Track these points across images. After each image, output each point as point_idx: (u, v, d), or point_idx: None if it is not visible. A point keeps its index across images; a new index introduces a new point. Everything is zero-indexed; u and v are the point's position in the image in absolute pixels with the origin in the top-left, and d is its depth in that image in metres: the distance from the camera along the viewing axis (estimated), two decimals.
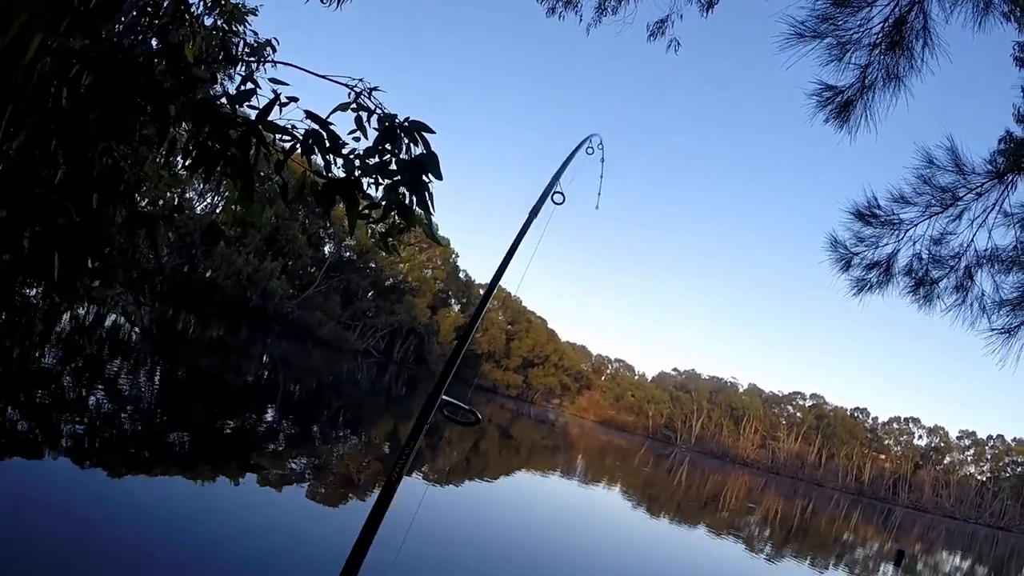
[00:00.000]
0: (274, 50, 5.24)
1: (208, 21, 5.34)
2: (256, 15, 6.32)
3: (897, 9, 6.06)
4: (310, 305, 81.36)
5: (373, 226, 4.44)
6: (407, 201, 4.03)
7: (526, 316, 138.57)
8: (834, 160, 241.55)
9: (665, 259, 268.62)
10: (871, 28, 6.18)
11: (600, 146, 5.47)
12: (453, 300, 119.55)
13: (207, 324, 51.87)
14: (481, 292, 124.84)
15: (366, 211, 4.15)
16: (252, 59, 4.60)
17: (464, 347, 4.44)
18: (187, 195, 53.71)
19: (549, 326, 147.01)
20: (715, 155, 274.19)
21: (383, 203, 4.07)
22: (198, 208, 62.53)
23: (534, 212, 4.78)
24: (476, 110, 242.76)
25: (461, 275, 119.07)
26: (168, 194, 5.49)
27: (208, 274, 63.77)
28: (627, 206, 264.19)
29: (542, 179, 4.96)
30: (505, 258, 4.82)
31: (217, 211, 64.55)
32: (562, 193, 4.94)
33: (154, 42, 4.39)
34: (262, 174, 4.15)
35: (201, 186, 58.64)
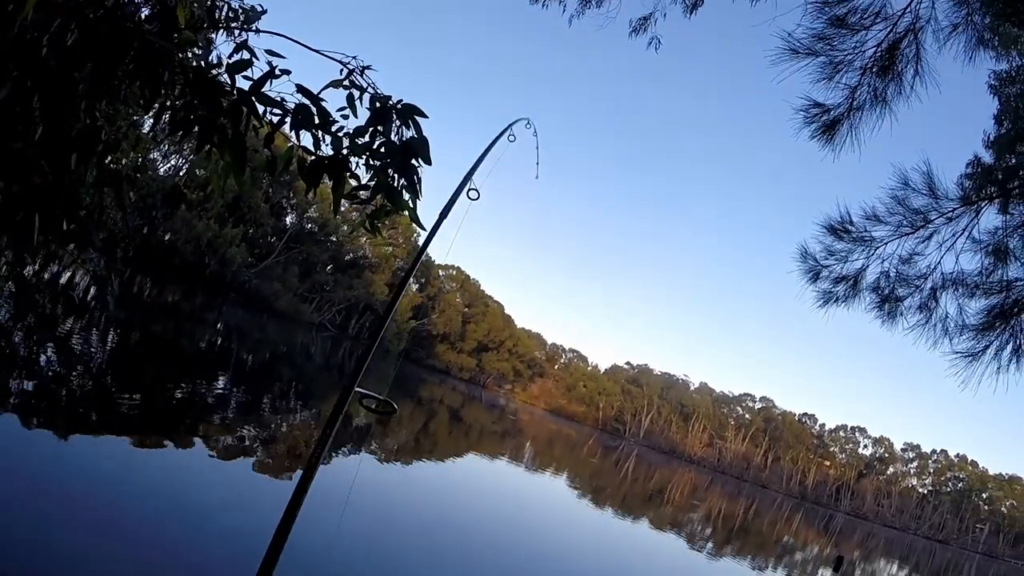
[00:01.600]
0: (258, 17, 5.16)
1: None
2: None
3: (892, 35, 6.11)
4: (268, 275, 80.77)
5: (355, 205, 4.38)
6: (395, 184, 3.99)
7: (483, 300, 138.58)
8: (803, 170, 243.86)
9: (625, 255, 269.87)
10: (864, 51, 6.23)
11: (529, 127, 5.53)
12: (412, 279, 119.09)
13: (163, 288, 51.35)
14: (440, 273, 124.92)
15: (354, 192, 4.10)
16: (244, 27, 4.50)
17: (377, 341, 4.47)
18: (150, 156, 52.94)
19: (506, 311, 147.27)
20: (677, 154, 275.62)
21: (371, 184, 4.02)
22: (161, 169, 61.78)
23: (445, 211, 4.77)
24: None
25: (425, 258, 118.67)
26: (132, 154, 5.38)
27: (167, 237, 63.08)
28: (589, 200, 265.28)
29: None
30: (415, 258, 5.10)
31: (180, 174, 63.85)
32: (477, 190, 4.88)
33: (141, 1, 4.32)
34: (248, 146, 4.07)
35: (166, 147, 58.02)
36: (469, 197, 4.77)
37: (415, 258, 5.00)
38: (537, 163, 5.67)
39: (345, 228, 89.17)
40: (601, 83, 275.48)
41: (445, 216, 4.72)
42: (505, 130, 5.36)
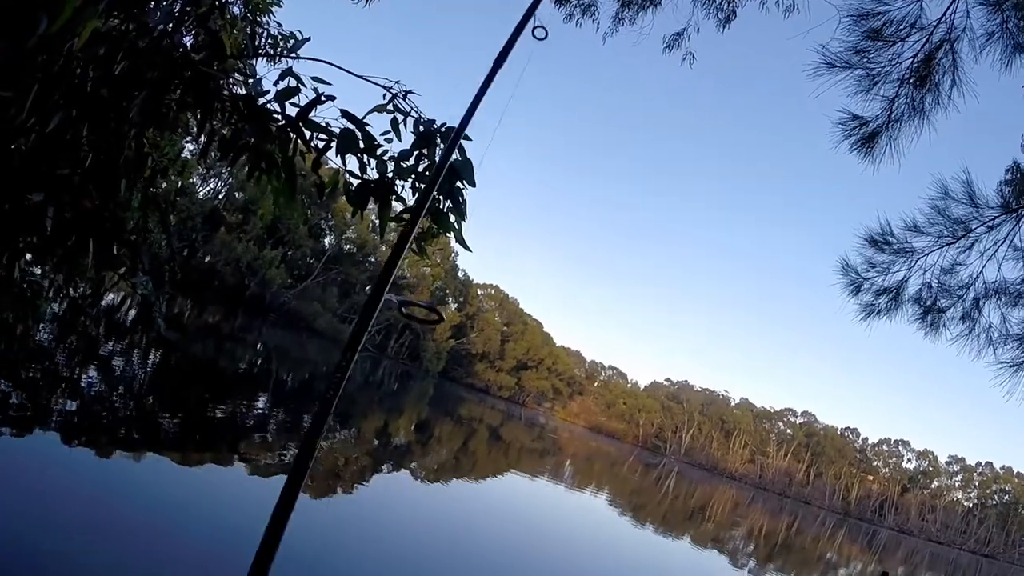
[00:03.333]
0: (296, 41, 5.24)
1: (235, 11, 5.34)
2: (280, 6, 6.32)
3: (928, 46, 6.09)
4: (307, 296, 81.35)
5: (400, 227, 4.38)
6: (442, 206, 4.01)
7: (522, 318, 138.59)
8: (844, 184, 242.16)
9: (665, 270, 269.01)
10: (901, 63, 6.22)
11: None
12: (450, 298, 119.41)
13: (203, 309, 51.82)
14: (479, 292, 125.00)
15: (401, 215, 4.12)
16: (285, 54, 4.59)
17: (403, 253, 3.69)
18: (190, 179, 53.68)
19: (545, 329, 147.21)
20: (721, 168, 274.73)
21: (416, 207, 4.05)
22: (200, 192, 62.50)
23: (505, 51, 3.97)
24: None
25: (460, 274, 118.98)
26: (173, 178, 5.48)
27: (207, 259, 63.71)
28: (629, 215, 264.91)
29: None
30: (472, 103, 3.90)
31: (219, 196, 64.58)
32: (544, 27, 4.06)
33: (187, 31, 4.40)
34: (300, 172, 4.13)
35: (205, 171, 58.70)
36: (535, 36, 4.01)
37: (469, 107, 3.73)
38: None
39: (383, 248, 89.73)
40: (643, 91, 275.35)
41: (504, 58, 3.95)
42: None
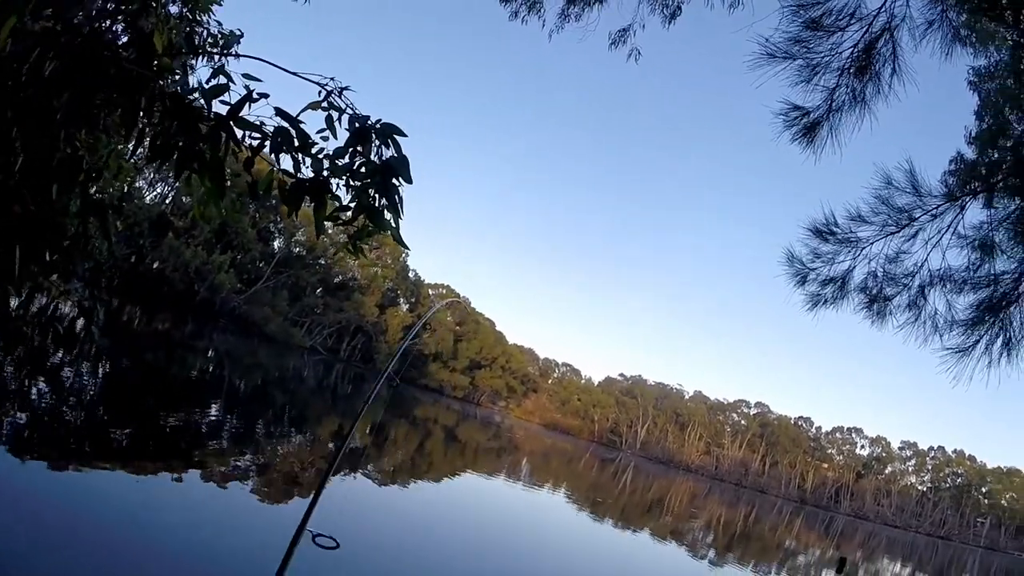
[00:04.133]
0: (238, 42, 5.16)
1: (173, 9, 5.24)
2: (220, 4, 6.21)
3: (867, 35, 6.13)
4: (258, 300, 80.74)
5: (339, 226, 4.33)
6: (377, 204, 3.95)
7: (474, 317, 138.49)
8: (790, 175, 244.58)
9: (613, 265, 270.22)
10: (841, 52, 6.24)
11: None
12: (402, 299, 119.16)
13: (153, 316, 51.23)
14: (430, 292, 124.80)
15: (336, 213, 4.06)
16: (220, 51, 4.49)
17: None
18: (136, 184, 52.95)
19: (497, 328, 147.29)
20: (669, 163, 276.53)
21: (352, 205, 3.99)
22: (147, 197, 61.76)
23: None
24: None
25: (411, 274, 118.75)
26: (116, 183, 5.36)
27: (155, 265, 63.01)
28: (574, 210, 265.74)
29: None
30: None
31: (167, 201, 63.84)
32: None
33: (119, 29, 4.30)
34: (228, 171, 4.03)
35: (152, 175, 58.01)
36: None
37: None
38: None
39: (331, 250, 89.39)
40: (586, 88, 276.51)
41: None
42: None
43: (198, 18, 5.60)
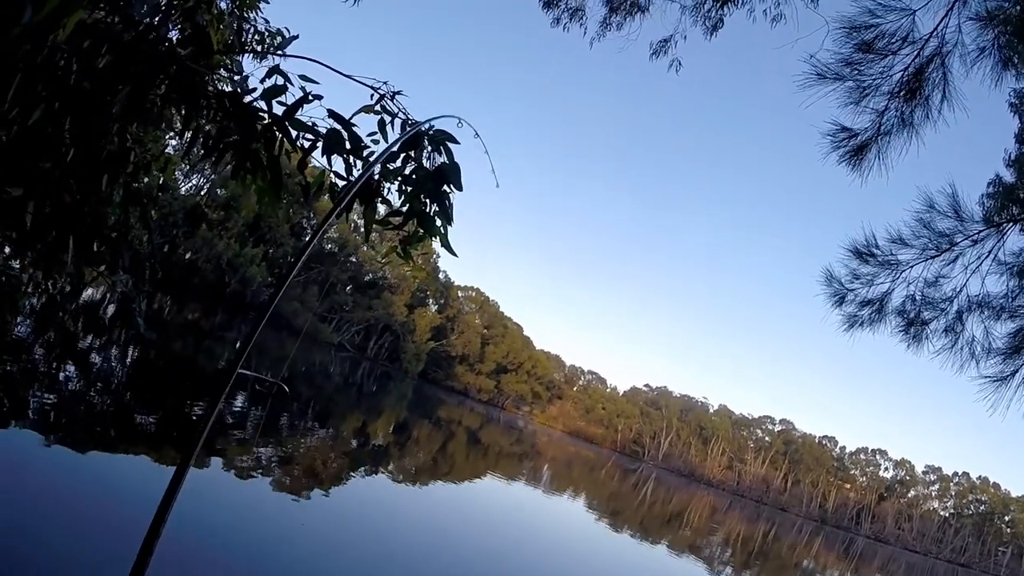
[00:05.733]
0: (284, 39, 5.18)
1: (222, 6, 5.26)
2: (268, 2, 6.25)
3: (919, 60, 6.08)
4: (288, 295, 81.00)
5: (389, 230, 4.31)
6: (428, 210, 3.96)
7: (502, 321, 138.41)
8: (829, 191, 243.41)
9: (646, 277, 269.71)
10: (892, 76, 6.20)
11: (462, 126, 4.42)
12: (431, 300, 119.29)
13: (183, 307, 51.58)
14: (460, 295, 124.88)
15: (387, 217, 4.07)
16: (274, 51, 4.52)
17: (270, 308, 3.99)
18: (173, 176, 53.33)
19: (525, 333, 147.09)
20: (708, 176, 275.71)
21: (404, 210, 4.00)
22: (182, 189, 62.18)
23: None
24: None
25: (440, 275, 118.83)
26: (160, 175, 5.40)
27: (188, 256, 63.41)
28: (611, 221, 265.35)
29: None
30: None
31: (202, 193, 64.28)
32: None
33: (171, 25, 4.34)
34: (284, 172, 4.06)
35: (187, 167, 58.44)
36: None
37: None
38: (492, 170, 4.59)
39: (367, 250, 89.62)
40: (627, 95, 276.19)
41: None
42: (421, 124, 4.33)
43: (245, 15, 5.65)
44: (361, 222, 4.20)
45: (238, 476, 14.03)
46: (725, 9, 8.44)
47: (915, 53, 6.09)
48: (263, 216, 62.37)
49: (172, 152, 5.61)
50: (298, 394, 33.32)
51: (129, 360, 22.44)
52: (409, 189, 3.99)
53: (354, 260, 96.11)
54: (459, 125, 4.25)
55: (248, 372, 4.08)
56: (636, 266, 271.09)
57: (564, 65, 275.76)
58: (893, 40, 6.06)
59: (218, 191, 65.61)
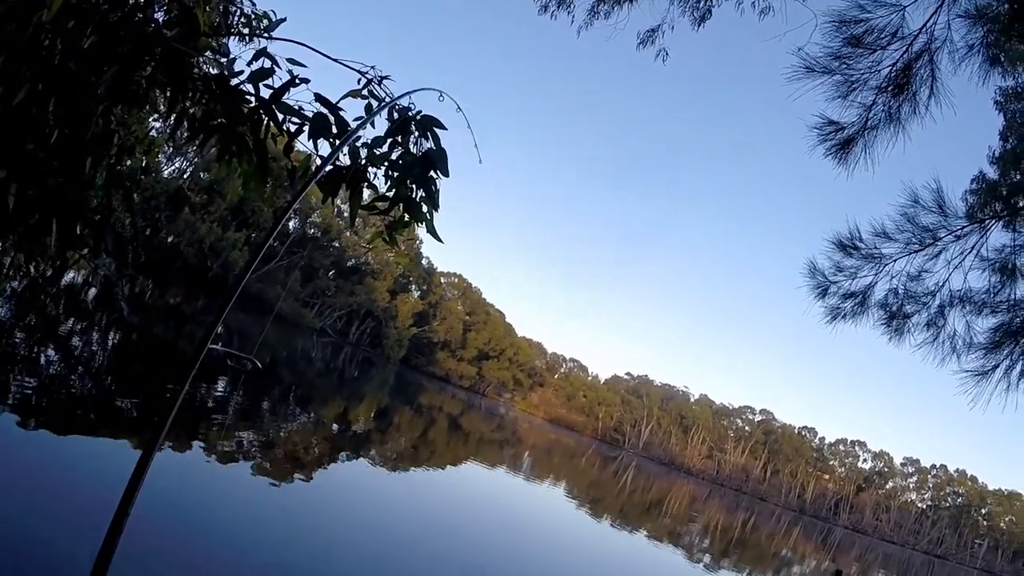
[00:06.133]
0: (271, 22, 5.14)
1: None
2: None
3: (907, 55, 6.08)
4: (271, 279, 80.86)
5: (374, 215, 4.28)
6: (415, 196, 3.94)
7: (485, 308, 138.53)
8: (812, 185, 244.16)
9: (627, 264, 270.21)
10: (880, 71, 6.21)
11: (444, 99, 4.36)
12: (413, 286, 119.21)
13: (165, 290, 51.38)
14: (442, 281, 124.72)
15: (373, 203, 4.05)
16: (264, 34, 4.49)
17: (241, 284, 3.97)
18: (156, 159, 52.95)
19: (507, 320, 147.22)
20: (689, 166, 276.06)
21: (390, 195, 3.98)
22: (165, 172, 61.83)
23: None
24: None
25: (423, 262, 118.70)
26: (139, 157, 5.36)
27: (170, 239, 63.15)
28: (590, 207, 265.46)
29: None
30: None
31: (184, 176, 63.94)
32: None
33: (155, 6, 4.29)
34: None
35: (170, 149, 58.10)
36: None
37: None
38: (476, 145, 4.43)
39: (350, 235, 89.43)
40: (605, 84, 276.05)
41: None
42: (400, 98, 4.33)
43: None
44: (345, 207, 4.17)
45: (219, 460, 13.99)
46: (713, 0, 8.43)
47: (904, 49, 6.10)
48: (248, 200, 62.19)
49: (156, 135, 5.57)
50: (279, 379, 33.27)
51: (110, 343, 22.34)
52: (396, 174, 3.97)
53: (337, 245, 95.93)
54: (440, 98, 4.20)
55: (219, 348, 4.05)
56: (621, 255, 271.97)
57: (554, 53, 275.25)
58: (882, 35, 6.06)
59: (201, 174, 65.30)
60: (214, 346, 3.93)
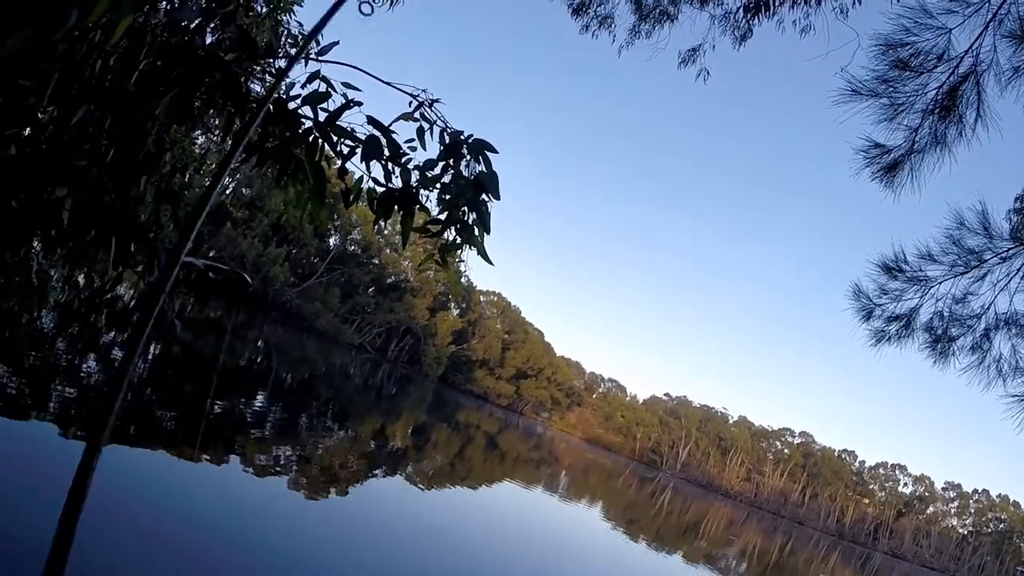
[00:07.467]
0: (322, 45, 5.21)
1: (258, 9, 5.29)
2: (301, 5, 6.29)
3: (953, 78, 6.06)
4: (310, 295, 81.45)
5: (425, 237, 4.31)
6: (467, 219, 3.97)
7: (523, 326, 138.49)
8: (856, 210, 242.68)
9: (670, 286, 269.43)
10: (926, 94, 6.19)
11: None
12: (452, 304, 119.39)
13: (205, 304, 51.80)
14: (481, 299, 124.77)
15: (426, 225, 4.09)
16: (318, 58, 4.54)
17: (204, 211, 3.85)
18: (206, 177, 53.67)
19: (546, 339, 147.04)
20: (733, 186, 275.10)
21: (442, 217, 4.02)
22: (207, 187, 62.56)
23: (325, 19, 4.06)
24: None
25: (463, 280, 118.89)
26: (192, 174, 5.45)
27: (212, 254, 63.78)
28: (634, 230, 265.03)
29: None
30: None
31: (226, 192, 64.63)
32: (371, 4, 4.40)
33: (209, 29, 4.36)
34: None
35: (211, 165, 58.72)
36: (362, 12, 4.33)
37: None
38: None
39: (390, 252, 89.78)
40: (660, 105, 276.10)
41: (321, 28, 4.08)
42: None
43: (280, 18, 5.68)
44: (388, 228, 4.22)
45: (256, 474, 14.07)
46: (755, 19, 8.44)
47: (950, 71, 6.07)
48: (310, 222, 62.70)
49: (199, 151, 5.66)
50: (317, 394, 33.42)
51: (152, 355, 22.58)
52: (448, 197, 4.01)
53: (376, 262, 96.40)
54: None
55: (196, 260, 4.02)
56: (660, 276, 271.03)
57: (593, 75, 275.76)
58: (929, 58, 6.04)
59: (243, 190, 66.02)
60: (190, 259, 3.89)
